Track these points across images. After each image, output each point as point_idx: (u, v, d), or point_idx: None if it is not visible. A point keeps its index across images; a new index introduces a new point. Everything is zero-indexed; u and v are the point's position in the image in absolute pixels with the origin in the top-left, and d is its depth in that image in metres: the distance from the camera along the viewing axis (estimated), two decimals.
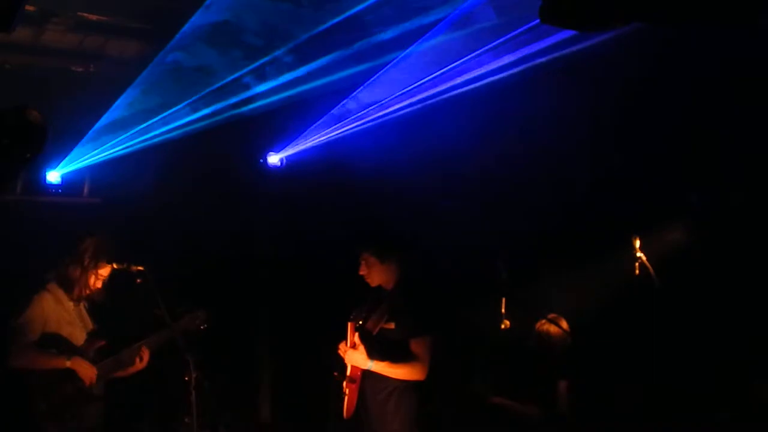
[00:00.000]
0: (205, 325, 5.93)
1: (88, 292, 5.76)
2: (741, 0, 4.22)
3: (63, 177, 7.35)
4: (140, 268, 5.73)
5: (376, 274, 5.78)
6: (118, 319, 5.99)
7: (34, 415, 5.42)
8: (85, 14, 6.34)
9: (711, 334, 6.22)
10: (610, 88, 6.25)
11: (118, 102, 7.07)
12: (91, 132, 7.27)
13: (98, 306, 5.88)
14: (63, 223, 6.76)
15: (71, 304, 5.73)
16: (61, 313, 5.65)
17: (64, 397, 5.49)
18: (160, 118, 7.25)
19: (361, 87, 7.12)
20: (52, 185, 7.30)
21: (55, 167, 7.34)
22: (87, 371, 5.53)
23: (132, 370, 5.79)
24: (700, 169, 6.37)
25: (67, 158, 7.32)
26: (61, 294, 5.69)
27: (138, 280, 5.71)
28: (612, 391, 6.34)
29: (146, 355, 5.75)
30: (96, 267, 5.71)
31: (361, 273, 5.79)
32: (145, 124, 7.30)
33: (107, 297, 5.84)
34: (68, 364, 5.48)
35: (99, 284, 5.76)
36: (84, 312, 5.83)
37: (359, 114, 7.37)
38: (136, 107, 7.20)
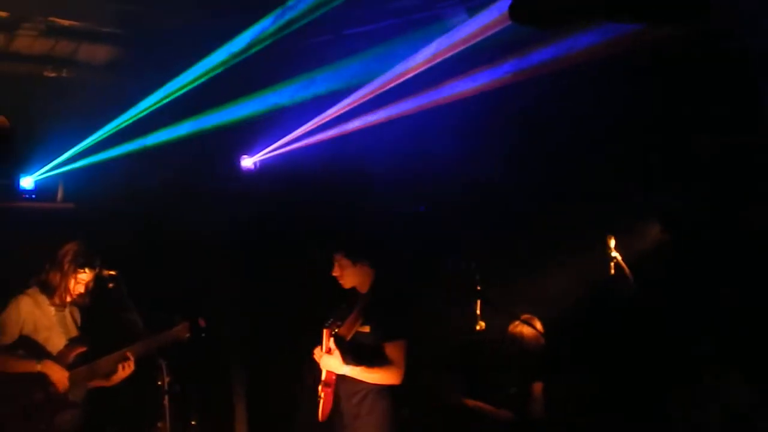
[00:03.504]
0: (188, 334, 5.91)
1: (69, 298, 5.74)
2: None
3: (36, 182, 7.30)
4: (112, 272, 5.73)
5: (348, 276, 5.76)
6: (96, 326, 5.96)
7: (3, 420, 5.38)
8: (57, 19, 6.32)
9: (686, 333, 6.21)
10: (585, 88, 6.26)
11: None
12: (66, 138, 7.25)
13: (85, 312, 5.88)
14: (36, 228, 6.74)
15: (52, 309, 5.73)
16: (39, 317, 5.65)
17: (33, 402, 5.45)
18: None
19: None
20: (25, 191, 7.26)
21: (29, 173, 7.30)
22: (58, 375, 5.50)
23: (116, 378, 5.74)
24: (674, 170, 6.37)
25: (40, 164, 7.29)
26: (42, 299, 5.71)
27: (110, 285, 5.70)
28: (588, 392, 6.31)
29: (130, 363, 5.70)
30: (75, 272, 5.70)
31: (334, 274, 5.78)
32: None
33: (91, 302, 5.82)
34: (39, 367, 5.47)
35: (81, 289, 5.74)
36: (69, 318, 5.83)
37: (336, 119, 7.36)
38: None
